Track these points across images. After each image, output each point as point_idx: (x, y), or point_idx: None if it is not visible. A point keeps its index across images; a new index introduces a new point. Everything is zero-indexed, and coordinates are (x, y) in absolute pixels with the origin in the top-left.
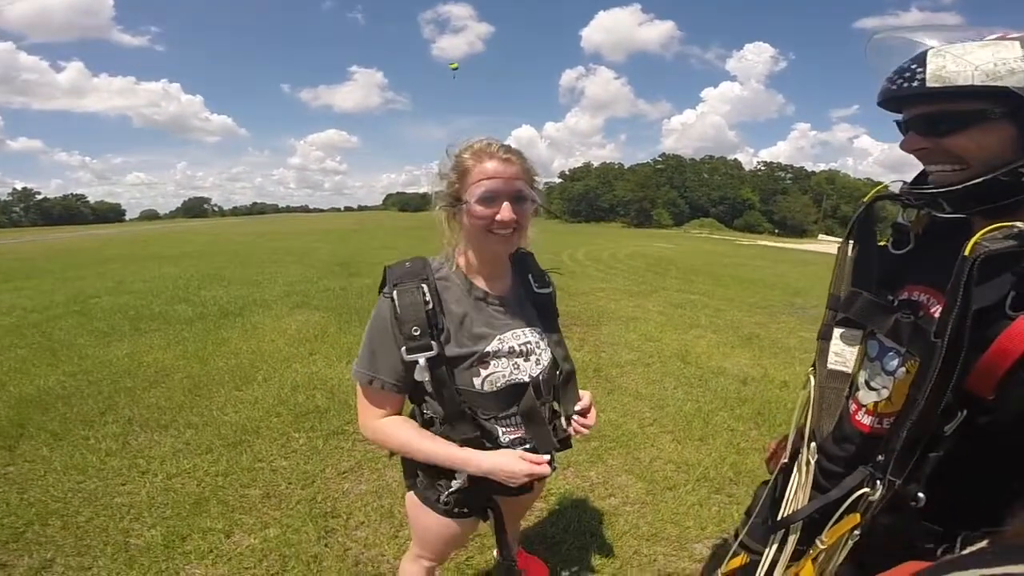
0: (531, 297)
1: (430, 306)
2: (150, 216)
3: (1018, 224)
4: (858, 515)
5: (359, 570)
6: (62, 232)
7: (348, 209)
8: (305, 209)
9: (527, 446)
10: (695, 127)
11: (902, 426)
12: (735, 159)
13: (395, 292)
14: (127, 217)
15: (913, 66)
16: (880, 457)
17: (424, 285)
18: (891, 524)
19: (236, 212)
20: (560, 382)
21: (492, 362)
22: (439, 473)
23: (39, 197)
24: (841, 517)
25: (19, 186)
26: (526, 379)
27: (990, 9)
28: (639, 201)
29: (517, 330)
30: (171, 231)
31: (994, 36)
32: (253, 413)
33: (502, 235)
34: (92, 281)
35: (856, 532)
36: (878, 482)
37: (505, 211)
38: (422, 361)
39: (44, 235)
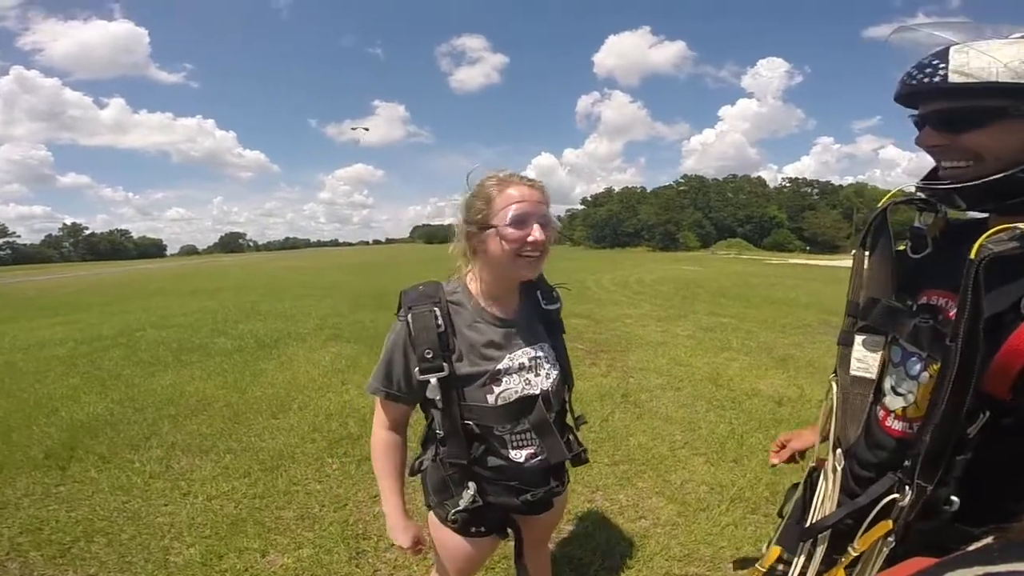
0: (540, 314)
1: (442, 328)
2: (189, 251)
3: (1020, 225)
4: (890, 522)
5: None
6: (108, 267)
7: (376, 242)
8: (335, 243)
9: (540, 458)
10: (715, 146)
11: (926, 430)
12: (759, 176)
13: (410, 315)
14: (168, 252)
15: (935, 61)
16: (907, 462)
17: (436, 308)
18: (927, 529)
19: (270, 247)
20: (568, 395)
21: (504, 379)
22: (446, 490)
23: (87, 232)
24: (873, 524)
25: (68, 221)
26: (537, 392)
27: (996, 13)
28: (664, 224)
29: (527, 347)
30: (210, 266)
31: (1019, 35)
32: (289, 439)
33: (531, 258)
34: (137, 315)
35: (890, 539)
36: (907, 487)
37: (537, 232)
38: (434, 381)
39: (92, 270)
